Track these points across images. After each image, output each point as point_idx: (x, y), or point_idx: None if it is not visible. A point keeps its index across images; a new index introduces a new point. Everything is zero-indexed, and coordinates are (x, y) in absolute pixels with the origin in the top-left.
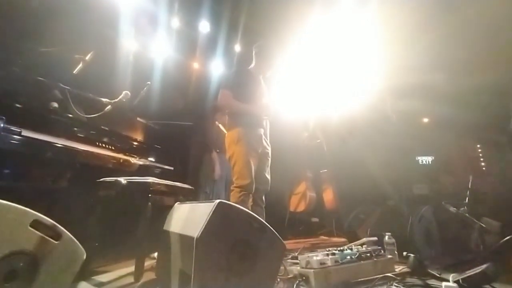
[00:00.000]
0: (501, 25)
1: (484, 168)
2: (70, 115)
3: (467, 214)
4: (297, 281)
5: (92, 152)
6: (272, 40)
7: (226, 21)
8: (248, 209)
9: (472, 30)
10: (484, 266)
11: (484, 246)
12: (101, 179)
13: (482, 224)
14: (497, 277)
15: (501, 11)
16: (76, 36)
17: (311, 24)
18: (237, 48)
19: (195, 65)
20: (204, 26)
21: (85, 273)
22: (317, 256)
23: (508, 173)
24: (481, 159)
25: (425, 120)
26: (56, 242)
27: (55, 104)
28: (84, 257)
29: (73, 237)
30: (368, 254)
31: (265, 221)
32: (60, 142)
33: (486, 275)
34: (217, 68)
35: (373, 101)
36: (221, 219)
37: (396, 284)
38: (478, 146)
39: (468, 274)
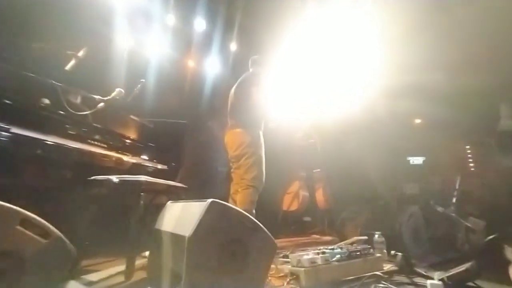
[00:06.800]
0: (492, 27)
1: (472, 169)
2: (62, 112)
3: (453, 214)
4: (288, 280)
5: (83, 150)
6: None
7: (222, 19)
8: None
9: (463, 31)
10: (468, 264)
11: (469, 245)
12: (92, 177)
13: (468, 224)
14: (480, 275)
15: (493, 14)
16: (68, 32)
17: (305, 24)
18: (233, 46)
19: (190, 63)
20: (200, 24)
21: (75, 272)
22: (308, 255)
23: (495, 174)
24: (470, 160)
25: (417, 121)
26: (44, 241)
27: (46, 101)
28: (74, 256)
29: (62, 236)
30: (358, 253)
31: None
32: (50, 139)
33: (470, 272)
34: (212, 66)
35: (365, 101)
36: (214, 218)
37: (383, 282)
38: (467, 147)
39: (452, 272)
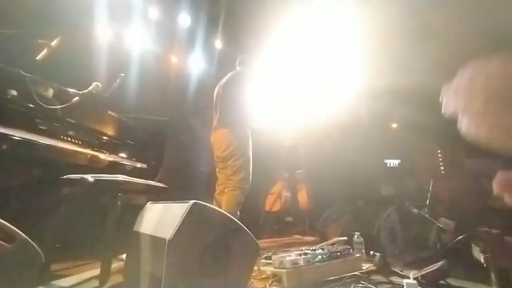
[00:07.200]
0: (463, 34)
1: (443, 172)
2: (31, 105)
3: (427, 215)
4: (270, 281)
5: (55, 147)
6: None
7: (208, 16)
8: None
9: (436, 37)
10: (439, 263)
11: (441, 244)
12: (65, 176)
13: (439, 224)
14: (450, 273)
15: (465, 21)
16: (41, 19)
17: (289, 26)
18: (218, 44)
19: (173, 59)
20: (185, 19)
21: (44, 277)
22: (290, 256)
23: (463, 177)
24: (441, 164)
25: (394, 125)
26: (8, 245)
27: (14, 92)
28: (42, 260)
29: (29, 240)
30: (338, 254)
31: (239, 221)
32: (18, 134)
33: (441, 271)
34: (196, 63)
35: (348, 104)
36: (196, 220)
37: (362, 282)
38: (439, 151)
39: (425, 271)
